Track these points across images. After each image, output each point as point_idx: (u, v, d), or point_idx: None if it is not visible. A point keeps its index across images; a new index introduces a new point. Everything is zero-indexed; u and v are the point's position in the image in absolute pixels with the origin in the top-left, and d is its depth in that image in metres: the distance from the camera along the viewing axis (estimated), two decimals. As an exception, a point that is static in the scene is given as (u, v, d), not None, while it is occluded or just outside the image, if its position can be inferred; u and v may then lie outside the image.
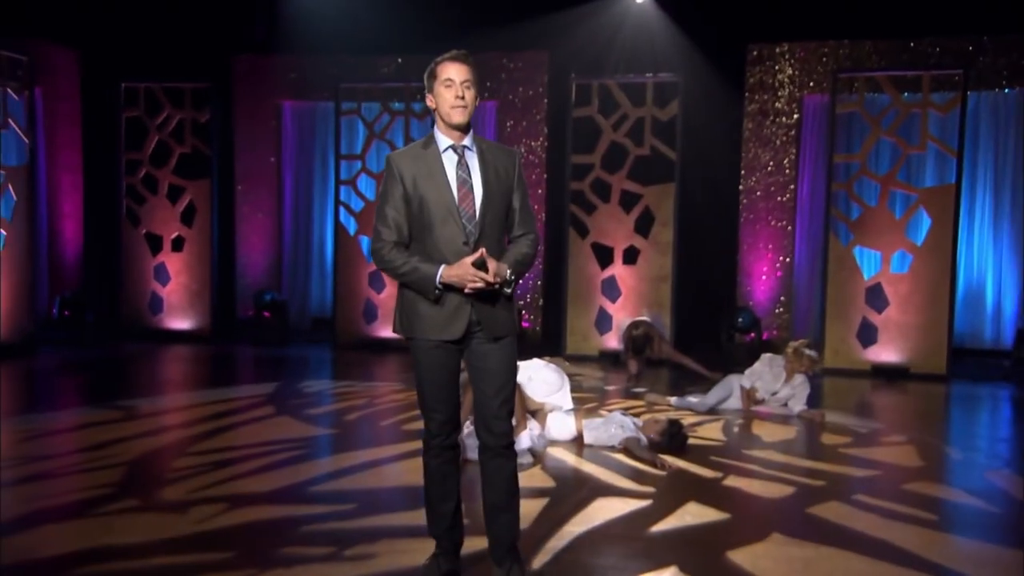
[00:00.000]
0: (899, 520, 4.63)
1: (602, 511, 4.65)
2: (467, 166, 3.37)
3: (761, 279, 11.15)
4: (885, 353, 9.75)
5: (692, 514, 4.66)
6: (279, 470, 5.25)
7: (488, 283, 3.25)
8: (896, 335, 9.72)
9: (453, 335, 3.36)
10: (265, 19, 11.27)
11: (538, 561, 3.88)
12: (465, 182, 3.36)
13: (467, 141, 3.39)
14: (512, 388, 3.45)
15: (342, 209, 10.84)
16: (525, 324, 11.61)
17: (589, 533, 4.30)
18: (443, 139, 3.38)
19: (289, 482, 4.99)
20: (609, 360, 9.98)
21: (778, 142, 11.12)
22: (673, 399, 7.67)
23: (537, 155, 11.59)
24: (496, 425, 3.42)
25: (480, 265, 3.24)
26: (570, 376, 8.48)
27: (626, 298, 10.31)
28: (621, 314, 10.21)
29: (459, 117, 3.32)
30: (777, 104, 11.09)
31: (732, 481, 5.33)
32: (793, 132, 11.08)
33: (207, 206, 11.29)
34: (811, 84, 11.00)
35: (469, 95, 3.34)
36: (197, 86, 11.28)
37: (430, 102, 3.38)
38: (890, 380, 9.50)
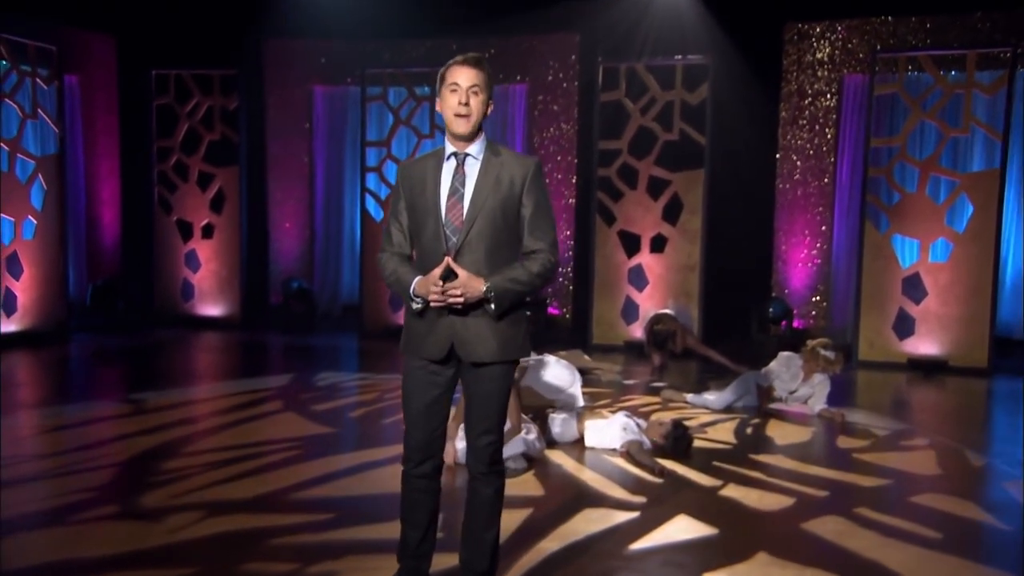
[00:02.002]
0: (898, 538, 4.41)
1: (586, 524, 4.50)
2: (463, 175, 3.21)
3: (798, 266, 10.82)
4: (923, 345, 9.38)
5: (679, 529, 4.50)
6: (267, 473, 5.21)
7: (450, 297, 3.09)
8: (935, 327, 9.34)
9: (432, 354, 3.22)
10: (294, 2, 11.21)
11: None
12: (456, 191, 3.20)
13: (472, 149, 3.22)
14: (496, 419, 3.28)
15: (368, 196, 10.78)
16: (555, 311, 11.48)
17: (565, 550, 4.15)
18: (448, 146, 3.25)
19: (273, 488, 4.93)
20: (635, 351, 9.77)
21: (816, 125, 10.74)
22: (689, 396, 7.46)
23: (569, 139, 11.40)
24: (475, 452, 3.32)
25: (448, 277, 3.10)
26: (589, 370, 8.43)
27: (653, 287, 10.07)
28: (648, 303, 10.00)
29: (460, 127, 3.16)
30: (816, 85, 10.70)
31: (730, 491, 5.14)
32: (833, 114, 10.69)
33: (236, 193, 11.32)
34: (852, 63, 10.58)
35: (475, 102, 3.15)
36: (225, 72, 11.29)
37: (439, 107, 3.24)
38: (927, 374, 9.15)
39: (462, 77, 3.16)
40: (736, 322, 10.29)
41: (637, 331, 9.94)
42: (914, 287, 9.40)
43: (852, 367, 9.34)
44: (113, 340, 10.39)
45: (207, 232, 11.45)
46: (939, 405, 8.16)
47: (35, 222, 9.92)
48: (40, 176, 9.98)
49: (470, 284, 3.11)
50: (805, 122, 10.74)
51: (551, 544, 4.21)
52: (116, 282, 11.44)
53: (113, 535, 4.20)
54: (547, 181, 3.46)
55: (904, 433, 6.68)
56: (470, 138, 3.21)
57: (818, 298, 10.82)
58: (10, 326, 9.64)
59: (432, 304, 3.14)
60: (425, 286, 3.13)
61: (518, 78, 11.54)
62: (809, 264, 10.80)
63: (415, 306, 3.20)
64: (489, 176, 3.21)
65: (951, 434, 6.79)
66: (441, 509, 3.47)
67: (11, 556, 3.92)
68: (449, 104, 3.17)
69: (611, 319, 10.22)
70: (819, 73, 10.70)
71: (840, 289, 10.69)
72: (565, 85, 11.37)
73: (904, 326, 9.43)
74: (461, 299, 3.11)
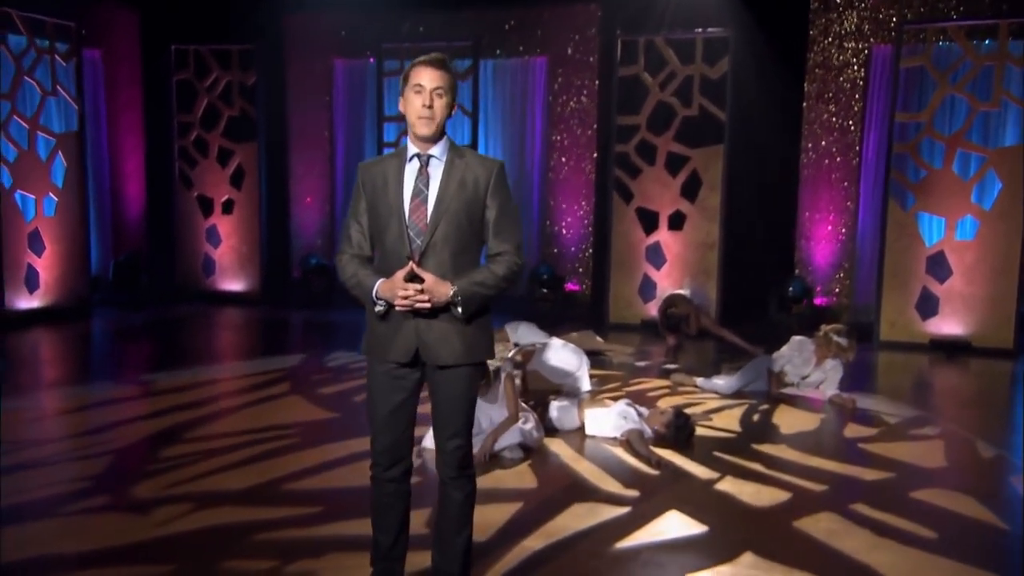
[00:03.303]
0: (892, 538, 4.30)
1: (573, 521, 4.43)
2: (427, 176, 3.14)
3: (821, 243, 10.61)
4: (946, 326, 9.18)
5: (668, 526, 4.42)
6: (263, 463, 5.21)
7: (415, 300, 3.04)
8: (959, 307, 9.12)
9: (397, 358, 3.17)
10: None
11: None
12: (420, 193, 3.13)
13: (435, 151, 3.15)
14: (464, 422, 3.24)
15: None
16: (575, 287, 11.41)
17: (550, 548, 4.09)
18: (411, 147, 3.18)
19: (265, 478, 4.93)
20: (651, 329, 9.67)
21: (843, 98, 10.47)
22: (699, 380, 7.37)
23: (588, 113, 11.24)
24: (444, 457, 3.28)
25: (412, 279, 3.05)
26: (600, 352, 8.36)
27: (671, 265, 9.95)
28: (665, 282, 9.89)
29: (423, 129, 3.09)
30: (842, 57, 10.40)
31: (726, 484, 5.04)
32: (860, 87, 10.40)
33: (255, 169, 11.35)
34: (881, 34, 10.27)
35: (439, 104, 3.08)
36: (244, 47, 11.27)
37: (401, 106, 3.16)
38: (950, 355, 8.96)
39: (426, 78, 3.09)
40: (755, 301, 10.13)
41: (654, 310, 9.83)
42: (938, 266, 9.18)
43: (872, 348, 9.18)
44: (134, 316, 10.52)
45: (227, 208, 11.51)
46: (958, 389, 7.99)
47: (56, 199, 10.03)
48: (60, 153, 10.07)
49: (436, 289, 3.06)
50: (831, 95, 10.47)
51: (535, 542, 4.15)
52: (138, 258, 11.55)
53: (101, 528, 4.23)
54: (510, 182, 3.36)
55: (916, 421, 6.54)
56: (433, 140, 3.15)
57: (841, 275, 10.62)
58: (33, 302, 9.80)
59: (397, 308, 3.10)
60: (389, 289, 3.08)
61: (537, 51, 11.38)
62: (833, 241, 10.59)
63: (378, 309, 3.15)
64: (453, 178, 3.14)
65: (965, 422, 6.64)
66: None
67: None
68: (413, 105, 3.10)
69: (628, 297, 10.12)
70: (846, 44, 10.40)
71: (864, 267, 10.47)
72: (584, 59, 11.18)
73: (927, 306, 9.22)
74: (428, 304, 3.06)
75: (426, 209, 3.13)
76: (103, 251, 12.22)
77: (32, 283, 9.79)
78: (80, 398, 6.74)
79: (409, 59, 10.19)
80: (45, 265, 9.92)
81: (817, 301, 10.53)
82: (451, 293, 3.07)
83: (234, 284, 11.55)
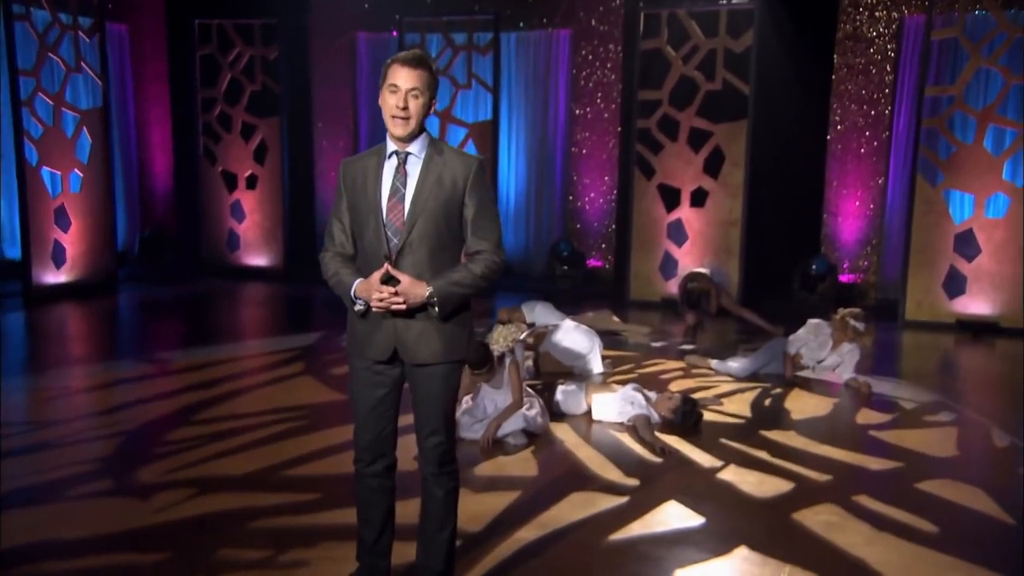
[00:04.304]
0: (892, 532, 4.23)
1: (570, 511, 4.41)
2: (405, 175, 3.11)
3: (849, 219, 10.42)
4: (973, 305, 8.99)
5: (664, 517, 4.38)
6: (266, 447, 5.26)
7: (390, 302, 3.03)
8: (987, 286, 8.93)
9: (376, 356, 3.17)
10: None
11: (473, 574, 3.74)
12: (397, 191, 3.10)
13: (413, 148, 3.11)
14: (443, 420, 3.22)
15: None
16: (598, 263, 11.34)
17: (541, 540, 4.07)
18: (389, 144, 3.14)
19: (267, 463, 4.97)
20: (671, 307, 9.58)
21: (873, 70, 10.22)
22: (714, 362, 7.30)
23: (612, 87, 11.09)
24: (424, 454, 3.28)
25: (388, 281, 3.04)
26: (616, 332, 8.31)
27: (693, 243, 9.83)
28: (687, 259, 9.78)
29: (397, 130, 3.05)
30: (873, 28, 10.13)
31: (728, 473, 5.00)
32: (891, 59, 10.13)
33: (277, 144, 11.38)
34: (912, 4, 9.99)
35: (415, 104, 3.03)
36: (266, 22, 11.25)
37: (380, 103, 3.10)
38: (976, 335, 8.79)
39: (402, 78, 3.03)
40: (778, 279, 9.99)
41: (675, 287, 9.73)
42: (967, 244, 8.98)
43: (897, 327, 9.04)
44: (158, 291, 10.66)
45: (251, 183, 11.57)
46: (980, 372, 7.83)
47: (81, 175, 10.14)
48: (85, 129, 10.17)
49: (412, 290, 3.04)
50: (861, 68, 10.21)
51: (528, 533, 4.14)
52: (163, 232, 11.68)
53: (100, 514, 4.29)
54: (489, 179, 3.30)
55: (931, 406, 6.44)
56: (410, 138, 3.11)
57: (869, 251, 10.43)
58: (60, 277, 9.95)
59: (374, 309, 3.09)
60: (366, 290, 3.07)
61: (559, 23, 11.22)
62: (861, 217, 10.39)
63: (358, 308, 3.14)
64: (431, 176, 3.10)
65: (983, 407, 6.53)
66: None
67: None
68: (387, 105, 3.05)
69: (649, 274, 10.03)
70: (877, 14, 10.13)
71: (893, 243, 10.26)
72: (608, 32, 11.02)
73: (954, 284, 9.04)
74: (403, 306, 3.05)
75: (403, 207, 3.10)
76: (131, 225, 12.41)
77: (59, 258, 9.93)
78: (98, 377, 6.85)
79: (431, 33, 10.10)
80: (71, 240, 10.06)
81: (844, 278, 10.37)
82: (427, 294, 3.06)
83: (258, 259, 11.64)
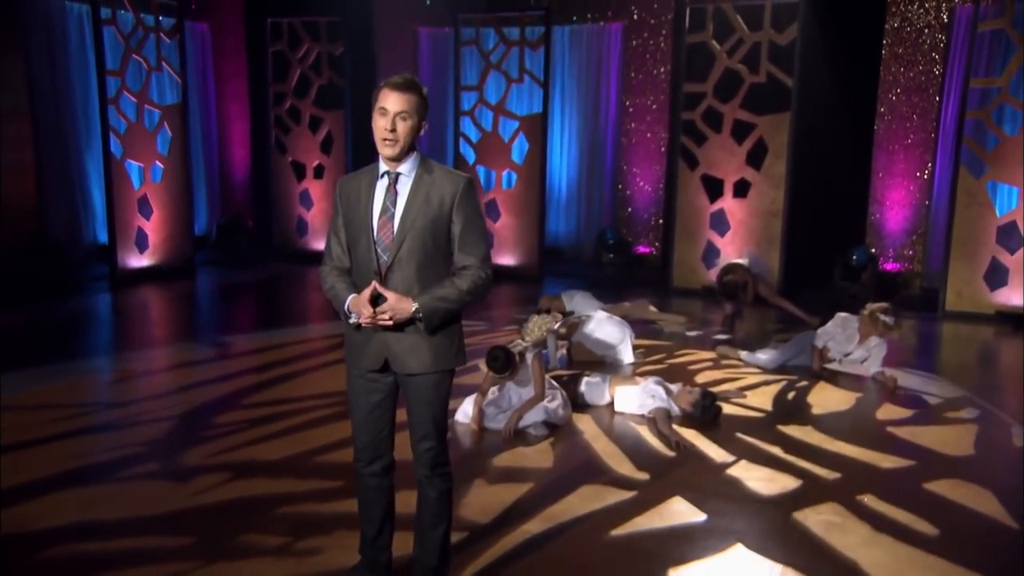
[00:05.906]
0: (890, 534, 4.27)
1: (577, 504, 4.55)
2: (395, 194, 3.25)
3: (894, 209, 10.53)
4: (1015, 297, 9.10)
5: (668, 514, 4.48)
6: (302, 432, 5.53)
7: (377, 321, 3.20)
8: (1029, 278, 9.02)
9: (369, 365, 3.34)
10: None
11: (473, 567, 3.86)
12: (387, 210, 3.25)
13: (403, 168, 3.25)
14: (433, 426, 3.39)
15: (461, 140, 11.16)
16: (647, 249, 11.66)
17: (545, 534, 4.21)
18: (381, 164, 3.28)
19: (300, 449, 5.23)
20: (712, 296, 9.85)
21: (922, 60, 10.26)
22: (743, 354, 7.57)
23: (663, 80, 11.35)
24: (416, 458, 3.44)
25: (376, 299, 3.22)
26: (652, 321, 8.66)
27: (735, 232, 10.10)
28: (729, 249, 10.05)
29: (386, 151, 3.19)
30: (923, 18, 10.17)
31: (738, 469, 5.10)
32: (941, 49, 10.16)
33: (342, 135, 11.96)
34: (964, -7, 10.01)
35: (403, 127, 3.16)
36: (332, 19, 11.78)
37: (373, 124, 3.22)
38: (1017, 327, 8.89)
39: (390, 102, 3.16)
40: (819, 270, 10.19)
41: (716, 276, 10.03)
42: (1009, 236, 9.07)
43: (937, 317, 9.19)
44: (232, 275, 11.39)
45: (318, 173, 12.19)
46: (1015, 366, 7.86)
47: (162, 167, 10.87)
48: (166, 124, 10.88)
49: (398, 307, 3.20)
50: (910, 58, 10.27)
51: (534, 526, 4.26)
52: (238, 220, 12.41)
53: (141, 496, 4.55)
54: (479, 197, 3.55)
55: (955, 402, 6.49)
56: (399, 159, 3.24)
57: (915, 239, 10.54)
58: (142, 261, 10.73)
59: (363, 325, 3.31)
60: (356, 306, 3.24)
61: (611, 16, 11.49)
62: (907, 207, 10.50)
63: (351, 321, 3.36)
64: (419, 195, 3.25)
65: (1008, 405, 6.53)
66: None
67: (38, 516, 4.27)
68: (377, 127, 3.19)
69: (691, 263, 10.33)
70: (927, 4, 10.16)
71: (938, 233, 10.36)
72: (661, 24, 11.25)
73: (996, 276, 9.15)
74: (390, 322, 3.21)
75: (392, 226, 3.24)
76: (211, 213, 13.18)
77: (142, 244, 10.70)
78: (169, 358, 7.41)
79: (484, 27, 10.50)
80: (153, 228, 10.82)
81: (889, 266, 10.51)
82: (413, 309, 3.21)
83: (323, 244, 12.23)
